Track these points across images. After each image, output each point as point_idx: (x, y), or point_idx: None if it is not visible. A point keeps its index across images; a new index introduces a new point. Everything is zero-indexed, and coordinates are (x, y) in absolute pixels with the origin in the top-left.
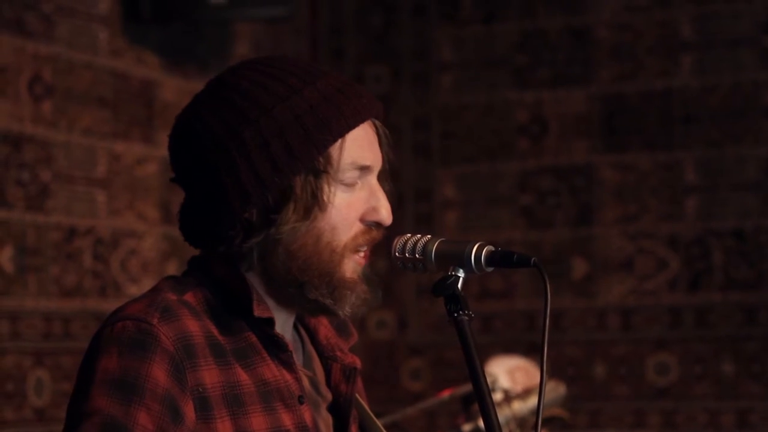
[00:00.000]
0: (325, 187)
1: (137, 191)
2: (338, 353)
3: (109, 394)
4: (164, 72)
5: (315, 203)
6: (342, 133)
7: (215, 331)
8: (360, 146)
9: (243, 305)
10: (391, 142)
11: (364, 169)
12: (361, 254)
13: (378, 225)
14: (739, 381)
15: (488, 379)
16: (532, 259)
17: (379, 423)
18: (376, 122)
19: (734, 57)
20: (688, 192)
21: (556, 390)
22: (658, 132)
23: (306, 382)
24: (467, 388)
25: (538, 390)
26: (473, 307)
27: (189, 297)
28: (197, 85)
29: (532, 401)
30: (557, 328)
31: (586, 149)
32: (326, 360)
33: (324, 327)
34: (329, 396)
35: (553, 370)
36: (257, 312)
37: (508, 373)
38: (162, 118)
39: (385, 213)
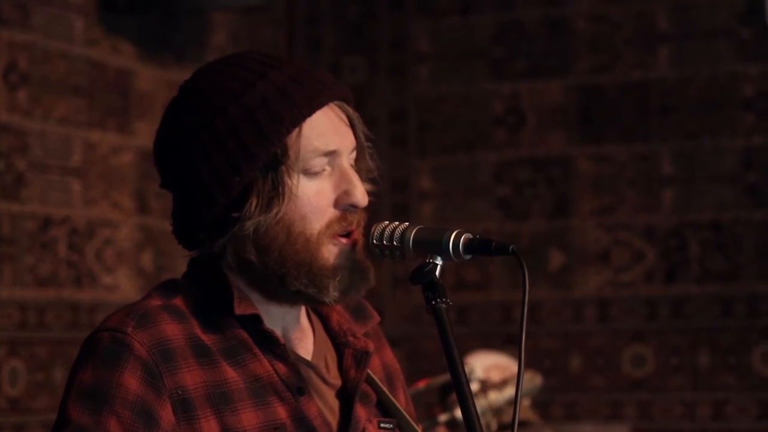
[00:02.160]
0: (286, 179)
1: (113, 181)
2: (350, 338)
3: (81, 405)
4: (140, 61)
5: (276, 195)
6: (295, 122)
7: (201, 333)
8: (321, 133)
9: (227, 307)
10: (362, 121)
11: (330, 155)
12: (343, 239)
13: (354, 208)
14: (715, 373)
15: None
16: (510, 247)
17: (397, 403)
18: (342, 104)
19: (711, 48)
20: (664, 183)
21: (532, 381)
22: (635, 123)
23: (309, 373)
24: (443, 378)
25: (514, 380)
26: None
27: (178, 300)
28: (173, 75)
29: (509, 391)
30: (533, 319)
31: (563, 140)
32: (338, 346)
33: (337, 313)
34: (338, 382)
35: (530, 361)
36: (238, 310)
37: (483, 371)
38: (138, 107)
39: (359, 195)
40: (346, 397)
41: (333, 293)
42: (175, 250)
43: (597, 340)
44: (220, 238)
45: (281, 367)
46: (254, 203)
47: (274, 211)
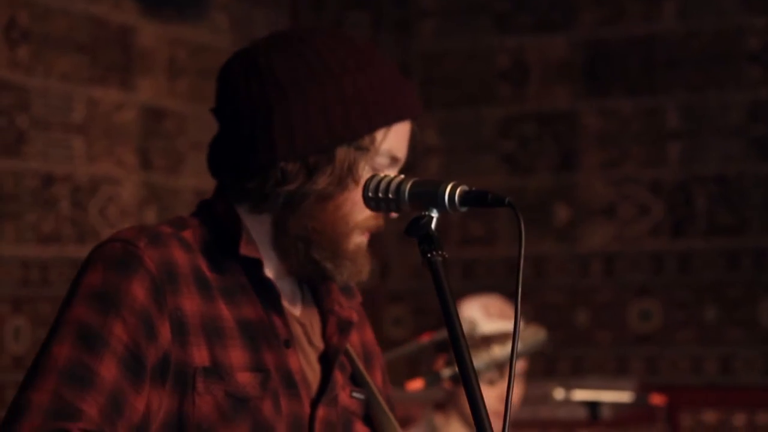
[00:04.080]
0: (361, 164)
1: (115, 138)
2: (336, 307)
3: (89, 305)
4: (142, 17)
5: (350, 176)
6: (393, 120)
7: (204, 267)
8: (399, 139)
9: (233, 244)
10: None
11: (393, 161)
12: (367, 233)
13: (386, 214)
14: (722, 327)
15: (467, 324)
16: (506, 199)
17: (368, 379)
18: (413, 124)
19: (717, 1)
20: (670, 137)
21: (535, 335)
22: (641, 77)
23: (297, 329)
24: (446, 332)
25: (519, 334)
26: (455, 254)
27: (187, 233)
28: (175, 31)
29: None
30: (539, 274)
31: (569, 95)
32: (325, 314)
33: (325, 283)
34: (322, 347)
35: (536, 316)
36: (244, 250)
37: (482, 307)
38: (140, 63)
39: None
40: (327, 361)
41: (345, 274)
42: (178, 206)
43: (603, 294)
44: (286, 186)
45: (274, 317)
46: (329, 172)
47: (341, 188)
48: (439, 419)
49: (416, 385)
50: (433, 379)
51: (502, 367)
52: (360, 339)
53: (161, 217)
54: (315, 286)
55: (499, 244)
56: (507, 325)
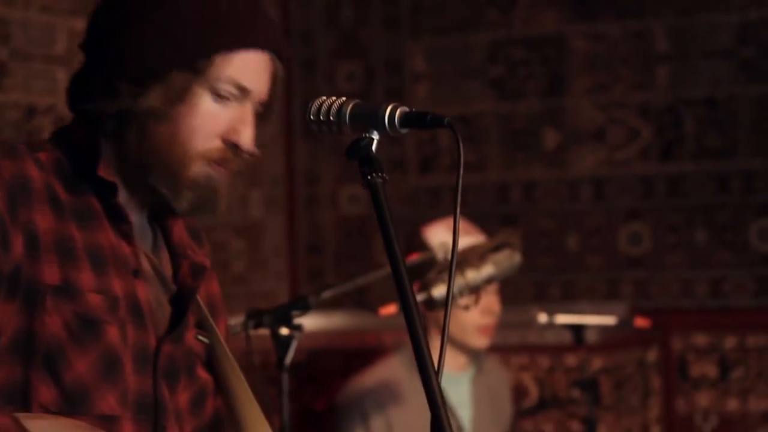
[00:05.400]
0: (197, 89)
1: None
2: (189, 252)
3: None
4: None
5: (180, 98)
6: (233, 46)
7: (58, 189)
8: (247, 68)
9: (90, 168)
10: (280, 90)
11: (243, 91)
12: (219, 167)
13: (236, 149)
14: (712, 250)
15: (441, 249)
16: (446, 119)
17: (215, 327)
18: (276, 59)
19: None
20: (659, 60)
21: (510, 259)
22: (629, 0)
23: (146, 263)
24: (425, 256)
25: (493, 258)
26: (446, 181)
27: (41, 155)
28: None
29: (486, 270)
30: (529, 199)
31: (556, 19)
32: (177, 257)
33: (179, 227)
34: (173, 288)
35: (526, 241)
36: (101, 172)
37: (447, 229)
38: None
39: (246, 137)
40: (179, 302)
41: (183, 203)
42: None
43: (593, 219)
44: (114, 103)
45: (124, 246)
46: (158, 91)
47: (174, 109)
48: None
49: (389, 310)
50: None
51: (477, 290)
52: (206, 291)
53: None
54: (166, 230)
55: (489, 169)
56: (473, 241)
